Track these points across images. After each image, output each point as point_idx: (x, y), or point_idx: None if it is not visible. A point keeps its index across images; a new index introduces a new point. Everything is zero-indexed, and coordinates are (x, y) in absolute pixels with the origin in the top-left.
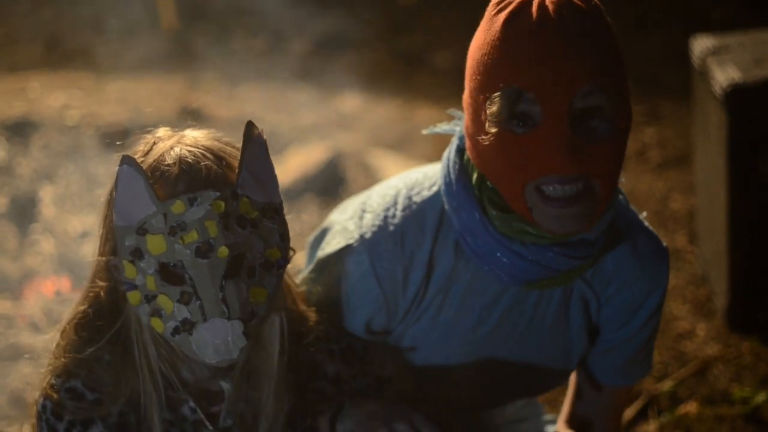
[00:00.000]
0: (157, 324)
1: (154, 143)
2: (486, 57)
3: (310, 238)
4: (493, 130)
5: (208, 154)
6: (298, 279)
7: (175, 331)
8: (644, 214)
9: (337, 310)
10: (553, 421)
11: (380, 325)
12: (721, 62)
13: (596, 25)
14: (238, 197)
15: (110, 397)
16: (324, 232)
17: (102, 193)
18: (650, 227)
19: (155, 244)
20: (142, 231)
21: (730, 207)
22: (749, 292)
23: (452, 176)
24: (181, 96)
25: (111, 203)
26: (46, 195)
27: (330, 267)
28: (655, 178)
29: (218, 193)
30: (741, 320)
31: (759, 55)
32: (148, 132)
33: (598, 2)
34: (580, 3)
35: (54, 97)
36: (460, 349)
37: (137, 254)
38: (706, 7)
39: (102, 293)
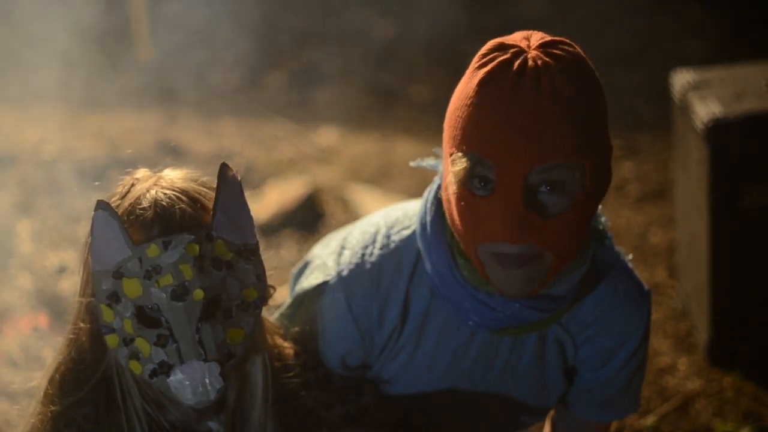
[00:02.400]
0: (135, 366)
1: (132, 185)
2: (457, 113)
3: (294, 270)
4: (453, 188)
5: (183, 197)
6: (277, 312)
7: (153, 373)
8: (630, 256)
9: (314, 343)
10: None
11: (357, 360)
12: (701, 97)
13: (577, 98)
14: (213, 239)
15: None
16: (306, 266)
17: (79, 229)
18: (633, 270)
19: (131, 287)
20: (118, 275)
21: (711, 241)
22: (730, 327)
23: (428, 218)
24: (158, 131)
25: (87, 247)
26: (24, 230)
27: (307, 303)
28: (634, 212)
29: (193, 237)
30: (722, 355)
31: (739, 90)
32: (128, 172)
33: (587, 66)
34: (563, 71)
35: (31, 132)
36: (437, 384)
37: (114, 298)
38: (683, 42)
39: (83, 336)
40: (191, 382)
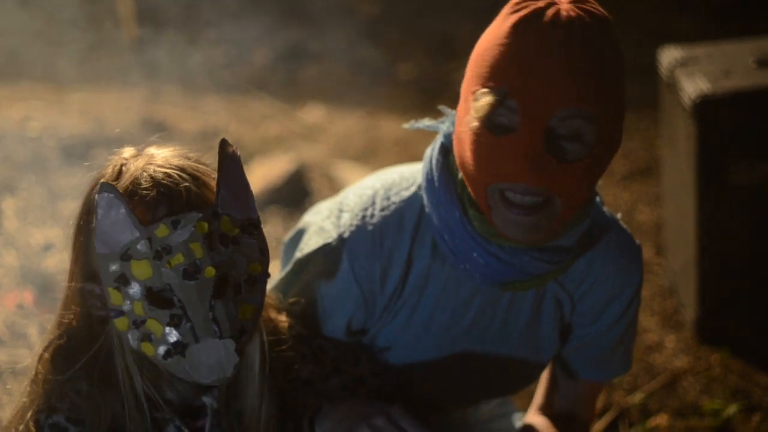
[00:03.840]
0: (147, 348)
1: (123, 165)
2: (487, 52)
3: (285, 239)
4: (474, 124)
5: (185, 175)
6: (274, 281)
7: (167, 354)
8: (619, 215)
9: (314, 309)
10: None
11: (359, 323)
12: (689, 74)
13: (603, 51)
14: (219, 216)
15: (92, 428)
16: (299, 234)
17: (64, 206)
18: (623, 226)
19: (141, 269)
20: (126, 257)
21: (698, 218)
22: (718, 304)
23: (434, 173)
24: (143, 108)
25: (81, 229)
26: (8, 207)
27: (309, 267)
28: (621, 190)
29: (201, 214)
30: (710, 332)
31: (727, 67)
32: (113, 152)
33: (612, 26)
34: (593, 24)
35: (15, 109)
36: (434, 347)
37: (122, 280)
38: (669, 19)
39: (75, 320)
40: (208, 361)
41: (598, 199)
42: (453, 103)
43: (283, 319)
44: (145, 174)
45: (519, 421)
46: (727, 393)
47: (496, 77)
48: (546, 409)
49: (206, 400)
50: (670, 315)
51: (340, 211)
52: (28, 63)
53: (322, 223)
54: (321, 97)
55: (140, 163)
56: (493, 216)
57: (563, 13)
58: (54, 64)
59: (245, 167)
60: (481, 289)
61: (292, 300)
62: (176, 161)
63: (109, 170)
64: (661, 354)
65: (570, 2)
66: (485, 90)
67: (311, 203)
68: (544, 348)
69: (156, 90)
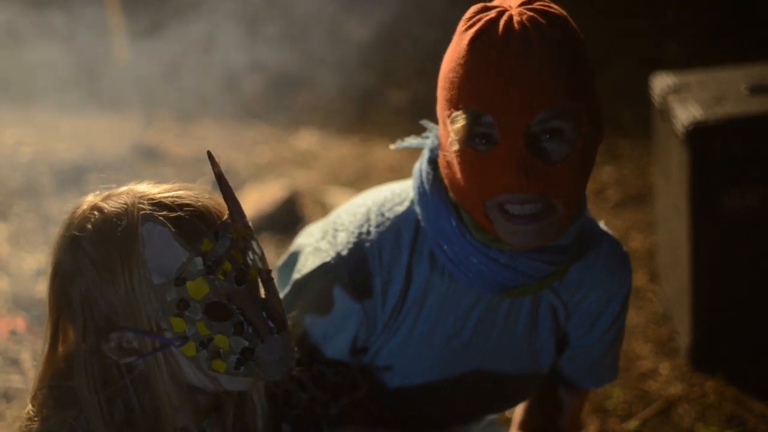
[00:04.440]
0: (218, 365)
1: (97, 209)
2: (451, 74)
3: (279, 264)
4: (455, 147)
5: (198, 192)
6: None
7: (239, 363)
8: (602, 222)
9: (315, 332)
10: None
11: (361, 341)
12: (681, 100)
13: (564, 45)
14: (236, 222)
15: None
16: (293, 257)
17: (57, 232)
18: (610, 232)
19: (197, 288)
20: (180, 281)
21: (692, 245)
22: (712, 331)
23: (426, 186)
24: (135, 133)
25: (75, 286)
26: (0, 233)
27: (307, 288)
28: (614, 216)
29: (229, 221)
30: (704, 359)
31: (719, 93)
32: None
33: (567, 18)
34: (547, 22)
35: (7, 134)
36: (435, 362)
37: (182, 305)
38: (660, 44)
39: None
40: (273, 358)
41: (584, 209)
42: None
43: None
44: (162, 205)
45: None
46: (722, 420)
47: (465, 98)
48: (526, 425)
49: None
50: (664, 342)
51: (335, 230)
52: (21, 88)
53: (318, 244)
54: (314, 124)
55: (127, 198)
56: (496, 229)
57: (516, 18)
58: (46, 90)
59: (237, 193)
60: (481, 299)
61: (290, 324)
62: (169, 186)
63: (115, 220)
64: (655, 381)
65: (520, 5)
66: (458, 113)
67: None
68: (542, 356)
69: (148, 116)
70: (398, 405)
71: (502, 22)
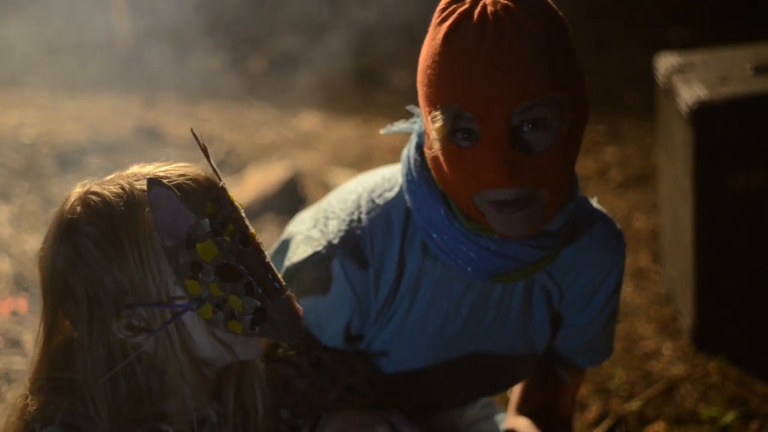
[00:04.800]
0: (235, 326)
1: (92, 194)
2: (429, 70)
3: (270, 251)
4: (437, 145)
5: (181, 166)
6: None
7: (253, 323)
8: (595, 198)
9: (309, 319)
10: None
11: (356, 329)
12: (686, 80)
13: (540, 32)
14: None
15: None
16: (285, 244)
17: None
18: (603, 210)
19: (206, 250)
20: (190, 243)
21: (695, 225)
22: (715, 311)
23: (414, 174)
24: (137, 114)
25: (95, 275)
26: (2, 214)
27: (299, 276)
28: (617, 197)
29: (225, 186)
30: (707, 339)
31: (724, 73)
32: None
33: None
34: (522, 9)
35: (9, 115)
36: (429, 348)
37: (196, 267)
38: (664, 26)
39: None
40: (282, 319)
41: (576, 189)
42: None
43: None
44: (159, 178)
45: (503, 423)
46: (725, 401)
47: (443, 96)
48: (524, 407)
49: (206, 413)
50: (667, 322)
51: (326, 218)
52: (23, 69)
53: (309, 232)
54: (316, 105)
55: (120, 180)
56: (487, 220)
57: (489, 8)
58: (48, 71)
59: (240, 175)
60: (473, 284)
61: None
62: (162, 165)
63: (114, 196)
64: (658, 361)
65: None
66: (437, 113)
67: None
68: (537, 339)
69: (150, 97)
70: (395, 389)
71: (475, 15)
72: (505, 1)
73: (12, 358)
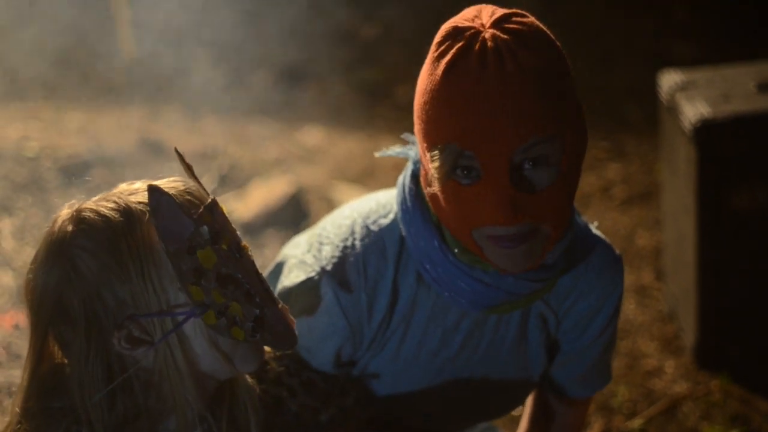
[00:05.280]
0: (237, 333)
1: (84, 211)
2: (427, 106)
3: (266, 273)
4: (436, 183)
5: (174, 179)
6: None
7: (253, 331)
8: (595, 223)
9: (300, 343)
10: None
11: (347, 355)
12: (689, 98)
13: (541, 68)
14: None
15: None
16: (279, 267)
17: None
18: (602, 236)
19: (206, 257)
20: (191, 250)
21: (698, 243)
22: (718, 329)
23: (408, 203)
24: (141, 128)
25: (86, 283)
26: (5, 227)
27: (291, 300)
28: (620, 214)
29: (217, 201)
30: (710, 357)
31: (727, 91)
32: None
33: (543, 33)
34: (522, 44)
35: (13, 128)
36: (423, 375)
37: (198, 274)
38: (668, 42)
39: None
40: (278, 328)
41: (576, 215)
42: None
43: (269, 352)
44: (142, 190)
45: None
46: (727, 419)
47: (443, 135)
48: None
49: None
50: (670, 340)
51: (320, 243)
52: (27, 82)
53: (303, 256)
54: (320, 119)
55: (113, 197)
56: (486, 254)
57: (489, 44)
58: (52, 84)
59: (243, 189)
60: (468, 312)
61: None
62: (136, 184)
63: (114, 215)
64: (660, 379)
65: (492, 25)
66: (437, 151)
67: (310, 226)
68: (532, 365)
69: (154, 110)
70: (388, 412)
71: (475, 51)
72: (505, 36)
73: (14, 371)
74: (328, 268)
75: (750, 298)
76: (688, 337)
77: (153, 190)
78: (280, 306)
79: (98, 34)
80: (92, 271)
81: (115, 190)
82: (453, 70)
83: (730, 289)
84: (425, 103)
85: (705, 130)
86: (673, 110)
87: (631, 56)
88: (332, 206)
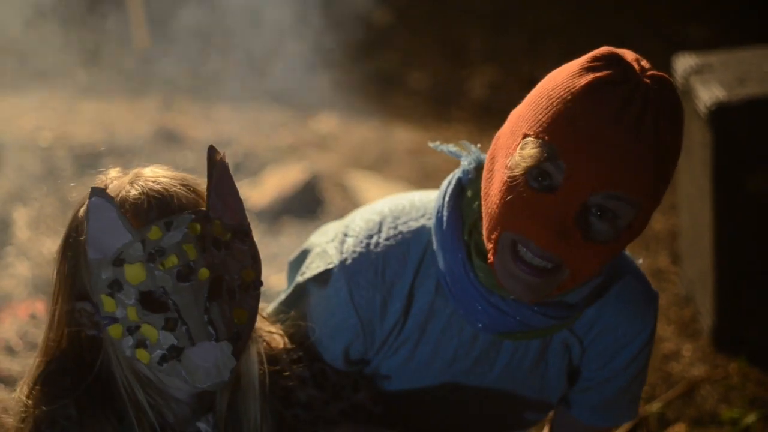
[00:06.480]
0: (142, 355)
1: (108, 184)
2: (551, 100)
3: (290, 259)
4: (516, 171)
5: (174, 182)
6: (276, 302)
7: (162, 359)
8: (640, 261)
9: (313, 336)
10: None
11: (358, 353)
12: (704, 81)
13: (669, 138)
14: (211, 220)
15: None
16: (304, 254)
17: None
18: (640, 271)
19: (134, 273)
20: (119, 262)
21: (714, 226)
22: (735, 312)
23: (444, 212)
24: (155, 117)
25: (69, 246)
26: (20, 217)
27: (308, 292)
28: None
29: (193, 216)
30: (727, 340)
31: (742, 74)
32: (100, 171)
33: (682, 111)
34: (668, 108)
35: (27, 119)
36: (435, 382)
37: (116, 286)
38: (683, 25)
39: (63, 342)
40: (204, 365)
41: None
42: (466, 110)
43: (279, 341)
44: (135, 185)
45: None
46: (746, 401)
47: (553, 133)
48: None
49: (201, 426)
50: (687, 323)
51: (345, 235)
52: (40, 72)
53: (326, 246)
54: (334, 107)
55: (126, 178)
56: (495, 261)
57: (641, 89)
58: (66, 74)
59: (257, 177)
60: (485, 333)
61: (291, 323)
62: (165, 172)
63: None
64: (678, 363)
65: (650, 77)
66: (537, 141)
67: (324, 213)
68: (550, 389)
69: (168, 99)
70: (399, 411)
71: (625, 89)
72: (657, 98)
73: (30, 361)
74: (348, 262)
75: (766, 281)
76: (706, 321)
77: (94, 192)
78: (220, 341)
79: (112, 23)
80: (76, 246)
81: (132, 171)
82: (598, 89)
83: (747, 271)
84: (551, 96)
85: (720, 114)
86: (688, 93)
87: (646, 39)
88: (346, 193)
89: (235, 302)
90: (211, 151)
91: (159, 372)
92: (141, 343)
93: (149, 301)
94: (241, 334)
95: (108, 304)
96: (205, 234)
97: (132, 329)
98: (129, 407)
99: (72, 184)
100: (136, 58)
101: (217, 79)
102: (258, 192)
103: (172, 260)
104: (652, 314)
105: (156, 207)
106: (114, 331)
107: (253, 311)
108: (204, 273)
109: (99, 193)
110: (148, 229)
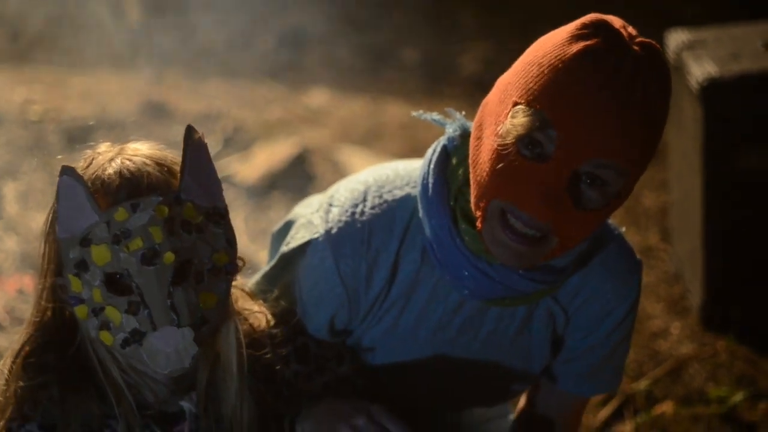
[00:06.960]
0: (105, 337)
1: (94, 158)
2: (541, 68)
3: (274, 230)
4: (500, 138)
5: (149, 161)
6: (260, 273)
7: (125, 342)
8: (623, 229)
9: (295, 306)
10: None
11: (342, 323)
12: (696, 57)
13: (658, 107)
14: (182, 202)
15: None
16: (288, 225)
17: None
18: (626, 241)
19: (100, 254)
20: (86, 242)
21: (705, 203)
22: (724, 290)
23: (430, 179)
24: (145, 91)
25: (53, 221)
26: (9, 192)
27: (293, 263)
28: None
29: (161, 198)
30: (716, 318)
31: (735, 50)
32: (91, 146)
33: (671, 83)
34: (657, 77)
35: (16, 92)
36: (419, 352)
37: (82, 266)
38: (680, 3)
39: (48, 317)
40: (165, 349)
41: None
42: (458, 86)
43: (262, 319)
44: (112, 162)
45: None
46: (733, 380)
47: (544, 100)
48: (528, 422)
49: (184, 405)
50: (676, 301)
51: (330, 205)
52: (30, 46)
53: (311, 216)
54: (325, 81)
55: (111, 154)
56: (484, 228)
57: (631, 56)
58: (55, 47)
59: (248, 152)
60: (472, 300)
61: (274, 296)
62: (145, 151)
63: (81, 162)
64: (666, 341)
65: (638, 44)
66: (528, 110)
67: (314, 188)
68: (534, 358)
69: (158, 73)
70: (384, 384)
71: (618, 54)
72: (647, 66)
73: (17, 336)
74: (333, 231)
75: (756, 259)
76: (694, 298)
77: (63, 171)
78: (182, 327)
79: None
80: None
81: (120, 146)
82: (588, 57)
83: (737, 249)
84: (541, 63)
85: (712, 89)
86: (680, 69)
87: (638, 15)
88: (337, 168)
89: (203, 286)
90: (189, 130)
91: (121, 355)
92: (105, 325)
93: (113, 284)
94: (207, 318)
95: (75, 284)
96: (173, 216)
97: (97, 311)
98: (107, 387)
99: (60, 158)
100: (126, 32)
101: (207, 53)
102: (248, 167)
103: (137, 243)
104: (636, 281)
105: (126, 187)
106: (80, 311)
107: (223, 295)
108: (169, 257)
109: (68, 171)
110: (114, 209)
